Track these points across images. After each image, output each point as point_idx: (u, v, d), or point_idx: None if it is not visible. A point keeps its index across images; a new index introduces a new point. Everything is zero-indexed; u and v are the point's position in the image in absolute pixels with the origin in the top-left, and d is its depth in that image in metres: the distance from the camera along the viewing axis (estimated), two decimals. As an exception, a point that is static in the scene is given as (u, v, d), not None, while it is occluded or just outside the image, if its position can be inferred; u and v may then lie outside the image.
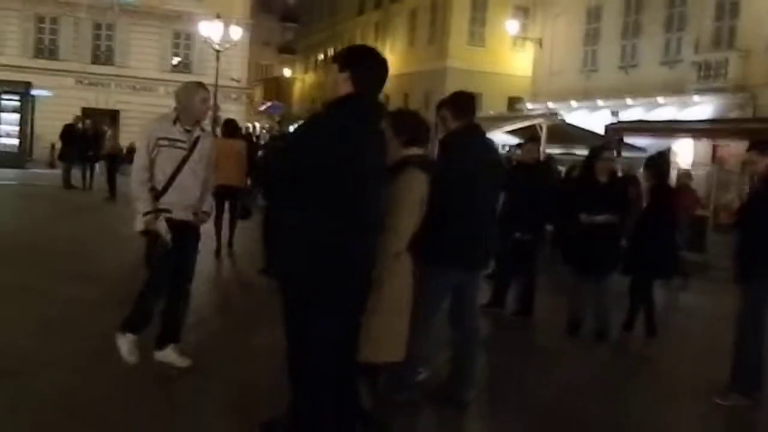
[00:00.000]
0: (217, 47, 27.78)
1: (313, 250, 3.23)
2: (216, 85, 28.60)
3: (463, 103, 5.00)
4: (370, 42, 44.22)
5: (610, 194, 7.12)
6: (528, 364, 6.50)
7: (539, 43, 31.33)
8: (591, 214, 7.05)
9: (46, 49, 32.45)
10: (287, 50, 57.65)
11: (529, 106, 30.21)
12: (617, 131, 20.22)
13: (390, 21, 42.58)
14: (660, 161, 7.45)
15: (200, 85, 5.16)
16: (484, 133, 5.05)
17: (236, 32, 28.58)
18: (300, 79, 53.48)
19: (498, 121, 24.35)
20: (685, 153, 21.89)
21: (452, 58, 36.21)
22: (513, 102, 33.94)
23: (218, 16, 28.04)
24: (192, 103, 4.94)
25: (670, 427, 5.25)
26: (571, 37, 29.03)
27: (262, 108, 49.86)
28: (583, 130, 21.16)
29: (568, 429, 4.94)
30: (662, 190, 7.20)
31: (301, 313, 3.29)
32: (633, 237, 7.01)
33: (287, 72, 53.77)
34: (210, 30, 27.95)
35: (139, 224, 4.79)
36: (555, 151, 21.65)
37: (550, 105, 28.28)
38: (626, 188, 7.38)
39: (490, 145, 5.11)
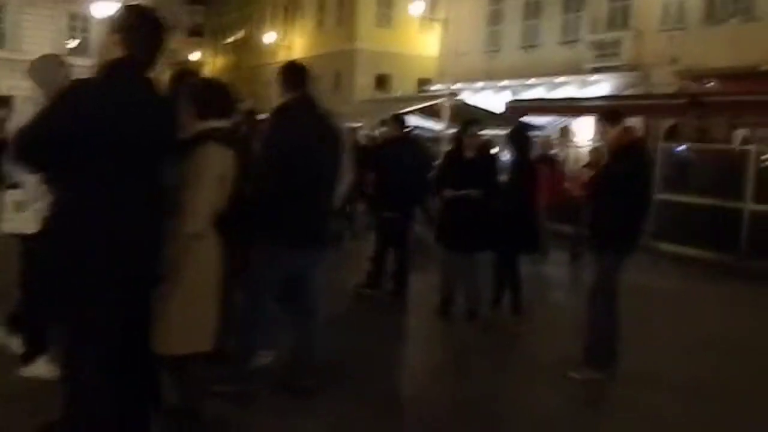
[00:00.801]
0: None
1: (77, 230, 2.91)
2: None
3: (294, 74, 4.74)
4: (279, 24, 43.55)
5: (476, 170, 7.00)
6: (390, 346, 6.35)
7: (445, 23, 31.28)
8: (457, 189, 6.94)
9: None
10: (196, 33, 56.13)
11: (436, 87, 30.19)
12: (517, 110, 20.35)
13: (299, 2, 41.91)
14: (519, 135, 7.32)
15: (59, 58, 4.71)
16: (316, 106, 4.78)
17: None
18: (210, 62, 52.21)
19: (402, 102, 24.32)
20: (584, 131, 22.28)
21: (361, 40, 35.91)
22: (423, 83, 33.92)
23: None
24: (59, 80, 4.34)
25: (524, 404, 5.15)
26: (474, 18, 29.16)
27: (169, 92, 48.37)
28: (484, 110, 21.26)
29: (419, 415, 4.77)
30: (523, 163, 7.10)
31: (69, 306, 2.96)
32: (496, 212, 6.89)
33: (196, 55, 52.36)
34: (104, 11, 26.81)
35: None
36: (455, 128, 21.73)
37: (457, 86, 28.36)
38: (494, 164, 7.23)
39: (325, 119, 4.85)
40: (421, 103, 22.49)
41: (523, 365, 6.12)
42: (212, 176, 3.41)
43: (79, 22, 32.73)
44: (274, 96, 4.88)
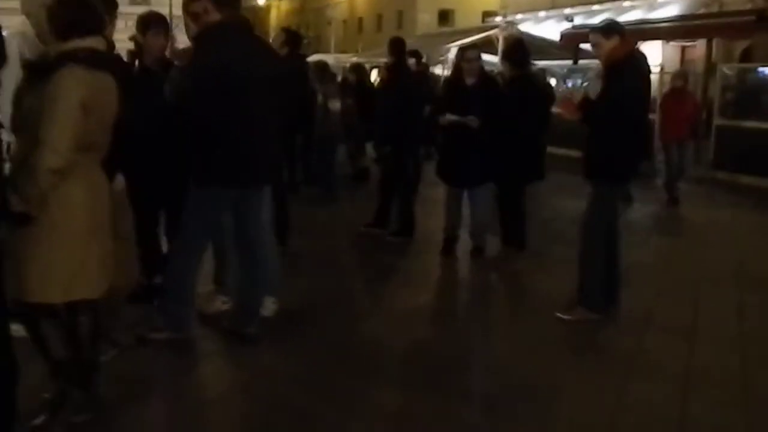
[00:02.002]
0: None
1: None
2: (171, 15, 27.61)
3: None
4: (341, -38, 42.67)
5: (476, 97, 6.42)
6: (378, 287, 5.96)
7: (507, -48, 29.92)
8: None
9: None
10: (263, -23, 55.82)
11: (498, 20, 28.98)
12: (572, 39, 19.26)
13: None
14: (517, 50, 6.62)
15: None
16: (251, 29, 4.31)
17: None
18: (275, 6, 51.93)
19: (460, 35, 23.47)
20: (653, 57, 20.99)
21: (422, -25, 34.89)
22: (488, 16, 32.79)
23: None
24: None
25: (500, 349, 4.69)
26: (538, -55, 27.66)
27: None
28: (541, 40, 20.21)
29: (384, 359, 4.39)
30: (525, 84, 6.42)
31: None
32: (498, 142, 6.30)
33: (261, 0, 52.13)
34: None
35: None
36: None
37: (518, 17, 27.18)
38: (496, 91, 6.58)
39: (265, 46, 4.39)
40: (469, 35, 21.55)
41: (514, 306, 5.64)
42: (70, 104, 2.99)
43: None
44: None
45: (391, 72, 7.34)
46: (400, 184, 7.32)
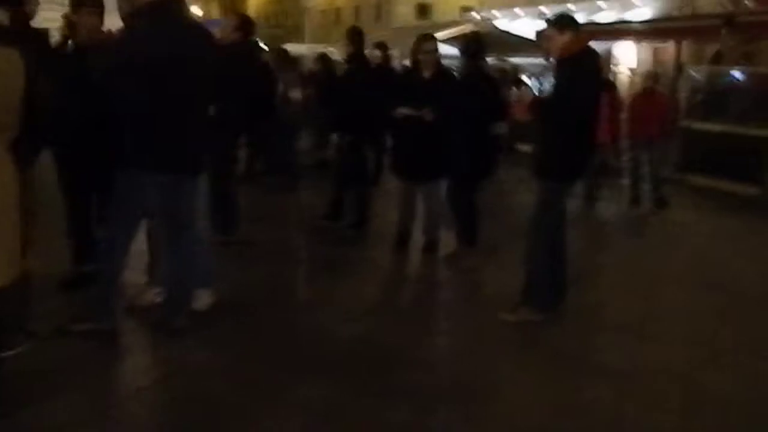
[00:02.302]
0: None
1: None
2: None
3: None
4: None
5: (432, 90, 6.28)
6: (321, 280, 5.81)
7: (486, -53, 29.82)
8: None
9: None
10: (243, -37, 55.24)
11: (476, 15, 28.92)
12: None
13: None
14: (473, 45, 6.47)
15: None
16: (181, 11, 4.12)
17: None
18: (254, -6, 51.46)
19: (437, 29, 23.35)
20: (627, 57, 21.02)
21: (401, -32, 34.72)
22: (465, 11, 32.66)
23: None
24: None
25: (448, 343, 4.59)
26: (516, -59, 27.58)
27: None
28: (516, 36, 20.16)
29: (314, 354, 4.26)
30: (479, 79, 6.29)
31: None
32: (451, 136, 6.17)
33: (239, -13, 51.55)
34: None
35: None
36: (487, 59, 20.74)
37: (495, 13, 27.15)
38: (453, 85, 6.42)
39: (196, 29, 4.19)
40: (444, 30, 21.44)
41: (460, 303, 5.52)
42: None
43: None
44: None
45: (350, 62, 7.19)
46: (357, 175, 7.17)
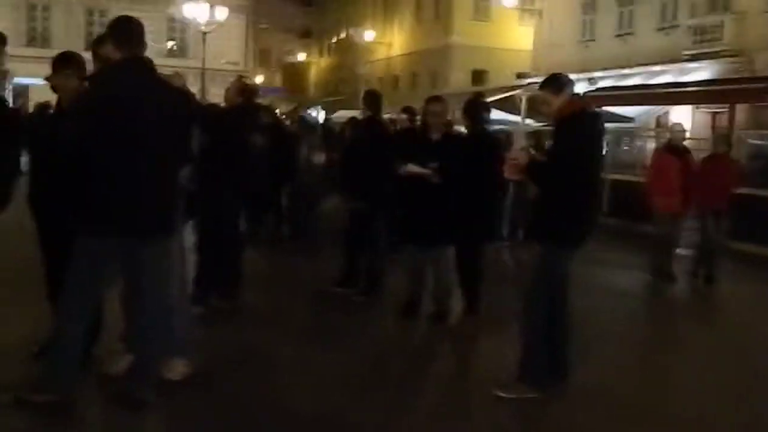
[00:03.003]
0: (203, 29, 27.20)
1: None
2: (203, 68, 28.08)
3: (126, 29, 4.05)
4: (378, 22, 43.18)
5: (437, 152, 6.07)
6: (311, 352, 5.51)
7: (539, 14, 29.92)
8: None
9: (39, 37, 32.19)
10: (306, 35, 56.92)
11: (530, 81, 28.82)
12: (592, 100, 18.88)
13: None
14: (474, 107, 6.25)
15: None
16: (150, 68, 4.05)
17: (222, 13, 27.83)
18: (315, 62, 52.71)
19: (491, 94, 23.44)
20: (683, 122, 20.54)
21: (457, 34, 35.07)
22: (520, 77, 32.64)
23: (207, -2, 27.35)
24: None
25: (429, 424, 4.26)
26: (569, 7, 27.63)
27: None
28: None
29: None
30: (480, 140, 6.03)
31: None
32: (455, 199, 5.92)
33: (301, 56, 52.98)
34: (194, 12, 27.27)
35: None
36: (535, 123, 20.59)
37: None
38: (460, 148, 6.20)
39: (164, 86, 4.11)
40: (493, 94, 21.39)
41: (453, 379, 5.17)
42: None
43: (177, 24, 33.53)
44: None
45: (366, 126, 7.08)
46: (369, 241, 6.97)
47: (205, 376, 4.54)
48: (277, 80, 56.15)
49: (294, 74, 54.47)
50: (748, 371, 5.51)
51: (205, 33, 27.23)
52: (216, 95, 27.50)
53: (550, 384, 4.65)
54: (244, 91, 6.11)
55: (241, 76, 6.54)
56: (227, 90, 6.26)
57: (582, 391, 4.77)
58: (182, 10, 27.96)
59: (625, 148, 20.26)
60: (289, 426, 4.04)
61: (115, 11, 32.82)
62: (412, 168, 6.06)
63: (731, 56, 20.18)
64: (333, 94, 45.18)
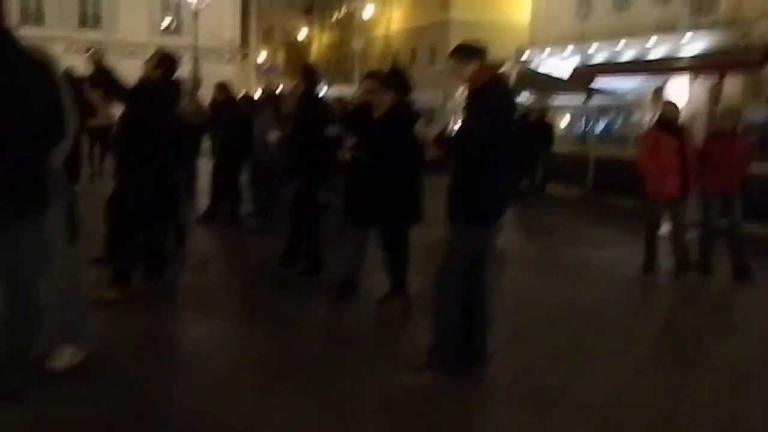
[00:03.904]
0: (194, 6, 26.90)
1: None
2: (195, 46, 27.79)
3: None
4: (379, -3, 42.66)
5: (378, 130, 5.73)
6: (224, 337, 5.28)
7: (536, -14, 29.40)
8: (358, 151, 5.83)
9: (32, 16, 31.93)
10: (309, 11, 56.48)
11: (526, 54, 28.33)
12: (585, 74, 18.52)
13: (397, -26, 40.93)
14: (396, 79, 5.84)
15: None
16: (8, 41, 3.74)
17: (212, -11, 27.50)
18: (317, 38, 52.25)
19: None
20: (680, 93, 20.12)
21: (455, 9, 34.66)
22: (520, 52, 32.13)
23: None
24: None
25: (320, 415, 4.01)
26: (566, -22, 27.08)
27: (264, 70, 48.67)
28: (551, 77, 19.61)
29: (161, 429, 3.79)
30: (403, 117, 5.62)
31: None
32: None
33: (303, 32, 52.51)
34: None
35: None
36: (529, 98, 20.29)
37: (546, 52, 26.60)
38: (404, 124, 5.80)
39: (21, 57, 3.79)
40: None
41: (364, 363, 4.83)
42: None
43: (172, 1, 33.16)
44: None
45: (301, 101, 6.78)
46: (308, 218, 6.72)
47: (97, 365, 4.31)
48: (280, 58, 55.84)
49: (296, 51, 54.06)
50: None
51: (196, 11, 26.91)
52: (211, 73, 27.36)
53: (461, 372, 4.41)
54: (161, 62, 5.86)
55: (159, 48, 6.21)
56: (145, 63, 6.03)
57: (500, 378, 4.53)
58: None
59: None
60: (167, 425, 3.80)
61: (109, -11, 32.69)
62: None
63: (727, 27, 19.69)
64: (333, 72, 44.79)
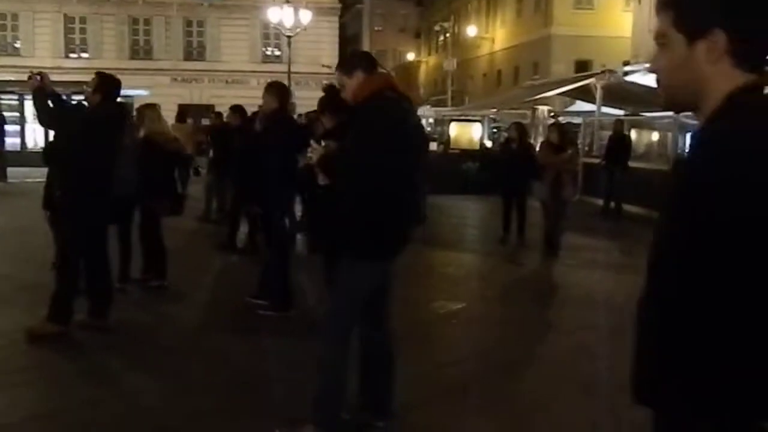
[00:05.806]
0: (287, 33, 27.29)
1: None
2: (288, 72, 28.16)
3: None
4: (482, 18, 42.06)
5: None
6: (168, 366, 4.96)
7: (638, 0, 28.00)
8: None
9: (141, 50, 33.52)
10: (418, 35, 56.68)
11: (628, 68, 26.95)
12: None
13: (499, -7, 40.27)
14: (331, 98, 5.31)
15: None
16: None
17: (306, 16, 27.75)
18: (425, 61, 52.15)
19: (552, 84, 22.42)
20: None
21: (557, 25, 33.59)
22: (626, 65, 30.69)
23: (287, 1, 27.39)
24: None
25: None
26: (668, -11, 25.61)
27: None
28: (641, 87, 18.29)
29: None
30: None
31: None
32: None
33: (410, 56, 52.55)
34: (279, 15, 27.34)
35: None
36: (611, 111, 19.16)
37: (648, 65, 25.17)
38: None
39: None
40: (565, 84, 20.18)
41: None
42: None
43: (272, 30, 33.90)
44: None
45: (271, 119, 6.37)
46: (273, 249, 6.31)
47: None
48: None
49: (405, 73, 54.20)
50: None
51: (289, 37, 27.26)
52: (306, 99, 27.66)
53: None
54: (101, 86, 5.61)
55: (98, 72, 5.92)
56: (85, 87, 5.80)
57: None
58: (268, 14, 28.13)
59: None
60: None
61: (212, 21, 33.87)
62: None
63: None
64: (439, 93, 44.51)
